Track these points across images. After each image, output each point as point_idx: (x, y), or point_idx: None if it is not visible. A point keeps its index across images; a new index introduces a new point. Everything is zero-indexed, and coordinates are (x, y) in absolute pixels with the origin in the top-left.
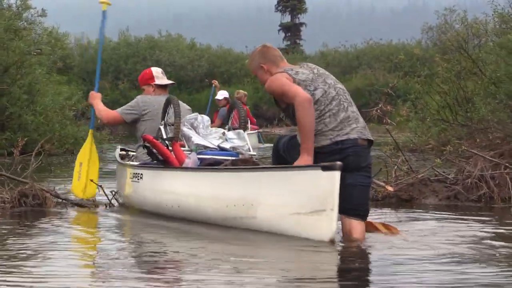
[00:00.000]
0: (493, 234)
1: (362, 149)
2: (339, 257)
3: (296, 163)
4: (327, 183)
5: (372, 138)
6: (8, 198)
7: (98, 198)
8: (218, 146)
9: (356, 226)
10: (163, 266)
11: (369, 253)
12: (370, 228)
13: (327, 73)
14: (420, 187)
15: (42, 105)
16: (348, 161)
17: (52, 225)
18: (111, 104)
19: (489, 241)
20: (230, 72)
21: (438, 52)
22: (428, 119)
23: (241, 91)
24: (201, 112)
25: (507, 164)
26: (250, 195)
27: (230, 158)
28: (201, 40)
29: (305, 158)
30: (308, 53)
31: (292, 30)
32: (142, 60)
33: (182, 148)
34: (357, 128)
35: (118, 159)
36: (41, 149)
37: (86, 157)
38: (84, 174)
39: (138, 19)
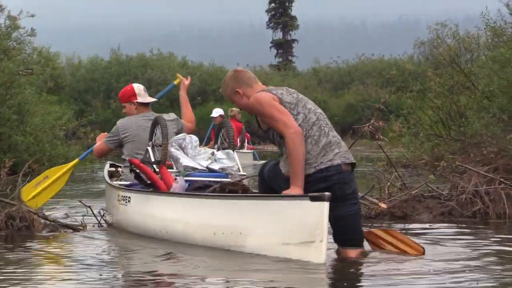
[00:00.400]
0: (489, 251)
1: (347, 175)
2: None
3: (286, 193)
4: (316, 213)
5: (354, 161)
6: None
7: (86, 219)
8: (207, 167)
9: (353, 254)
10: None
11: (361, 269)
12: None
13: (306, 98)
14: (413, 203)
15: (32, 125)
16: (335, 189)
17: (38, 249)
18: (104, 123)
19: (484, 259)
20: None
21: (430, 67)
22: (421, 134)
23: (234, 109)
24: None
25: (501, 179)
26: (238, 224)
27: (219, 180)
28: (193, 58)
29: (296, 189)
30: (301, 70)
31: (284, 47)
32: (134, 79)
33: (170, 170)
34: (339, 153)
35: (107, 179)
36: (29, 170)
37: (55, 176)
38: (41, 187)
39: (129, 37)
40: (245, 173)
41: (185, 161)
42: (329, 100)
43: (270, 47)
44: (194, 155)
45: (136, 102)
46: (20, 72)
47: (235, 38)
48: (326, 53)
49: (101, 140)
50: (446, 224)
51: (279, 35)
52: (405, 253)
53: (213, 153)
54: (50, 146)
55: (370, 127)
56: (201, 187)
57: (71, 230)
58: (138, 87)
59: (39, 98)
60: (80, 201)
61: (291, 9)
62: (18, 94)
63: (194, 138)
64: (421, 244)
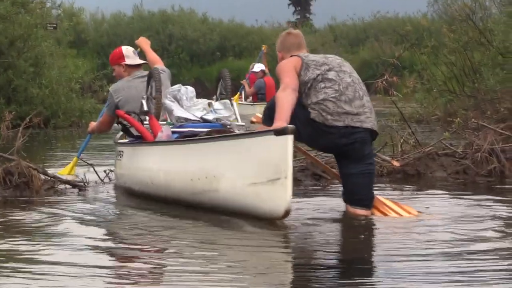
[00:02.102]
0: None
1: (369, 137)
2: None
3: (274, 126)
4: (280, 148)
5: (378, 132)
6: None
7: (89, 176)
8: (201, 118)
9: (362, 213)
10: (135, 254)
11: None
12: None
13: (345, 63)
14: (427, 161)
15: (48, 78)
16: (355, 147)
17: (34, 205)
18: None
19: (500, 223)
20: (242, 46)
21: (445, 24)
22: (434, 90)
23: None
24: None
25: None
26: (211, 167)
27: (209, 130)
28: (213, 14)
29: (279, 123)
30: (317, 27)
31: (301, 4)
32: (156, 34)
33: (164, 122)
34: (371, 118)
35: (115, 138)
36: (30, 123)
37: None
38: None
39: None
40: (243, 123)
41: (178, 112)
42: (345, 57)
43: (288, 5)
44: (189, 106)
45: (124, 64)
46: (47, 26)
47: None
48: (342, 10)
49: (92, 127)
50: (460, 184)
51: None
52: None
53: (209, 104)
54: (65, 99)
55: (384, 82)
56: (188, 137)
57: (71, 187)
58: (126, 49)
59: (56, 52)
60: (81, 159)
61: None
62: (35, 47)
63: (190, 89)
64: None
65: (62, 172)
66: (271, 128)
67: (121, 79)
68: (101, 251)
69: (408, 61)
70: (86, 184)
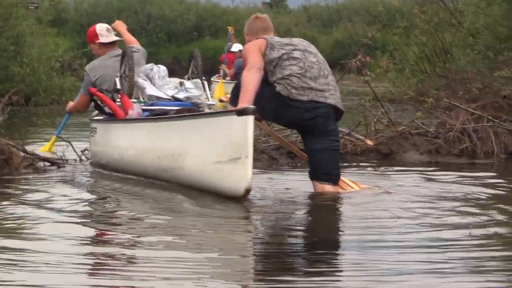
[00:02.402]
0: (476, 190)
1: (332, 113)
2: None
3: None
4: (241, 128)
5: (343, 110)
6: None
7: (68, 154)
8: (172, 96)
9: (329, 190)
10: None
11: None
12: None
13: (311, 45)
14: (400, 140)
15: (29, 56)
16: (317, 122)
17: (13, 182)
18: None
19: (470, 199)
20: (217, 26)
21: (416, 5)
22: (406, 70)
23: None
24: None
25: (489, 117)
26: (176, 145)
27: (179, 108)
28: None
29: (243, 103)
30: (292, 8)
31: None
32: (134, 14)
33: (135, 100)
34: (335, 96)
35: (91, 115)
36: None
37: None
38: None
39: None
40: (214, 103)
41: (150, 90)
42: (318, 37)
43: None
44: (161, 85)
45: (98, 42)
46: (29, 5)
47: None
48: None
49: (69, 107)
50: (432, 163)
51: None
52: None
53: (181, 83)
54: (46, 77)
55: (357, 62)
56: (159, 115)
57: (49, 164)
58: (100, 27)
59: (37, 31)
60: (60, 137)
61: None
62: (16, 26)
63: (162, 68)
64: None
65: (42, 149)
66: (233, 108)
67: (98, 57)
68: (72, 236)
69: (380, 42)
70: (64, 161)
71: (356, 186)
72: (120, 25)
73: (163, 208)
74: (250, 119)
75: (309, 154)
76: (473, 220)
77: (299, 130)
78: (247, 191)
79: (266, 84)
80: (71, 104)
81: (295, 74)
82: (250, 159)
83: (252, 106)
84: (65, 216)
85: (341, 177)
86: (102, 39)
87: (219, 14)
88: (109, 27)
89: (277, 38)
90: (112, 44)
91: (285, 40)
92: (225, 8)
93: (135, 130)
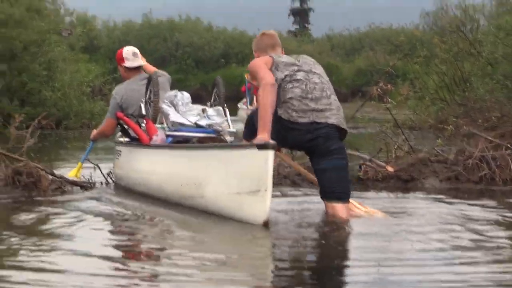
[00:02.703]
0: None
1: (334, 133)
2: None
3: (254, 141)
4: (262, 162)
5: (347, 130)
6: (2, 176)
7: (95, 176)
8: (195, 123)
9: (340, 209)
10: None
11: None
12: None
13: (316, 65)
14: (420, 167)
15: (61, 81)
16: (318, 143)
17: (41, 205)
18: None
19: (489, 227)
20: (244, 53)
21: (436, 35)
22: (426, 98)
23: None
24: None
25: (508, 145)
26: (198, 174)
27: (200, 135)
28: (218, 23)
29: (261, 136)
30: (315, 36)
31: (301, 15)
32: (163, 41)
33: (159, 125)
34: (337, 115)
35: (115, 137)
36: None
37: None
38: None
39: (163, 3)
40: (234, 130)
41: (174, 116)
42: (341, 65)
43: (289, 15)
44: (184, 111)
45: (124, 66)
46: (62, 34)
47: (258, 5)
48: (339, 21)
49: (94, 134)
50: (452, 188)
51: (297, 4)
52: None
53: (204, 110)
54: (77, 102)
55: (379, 90)
56: (181, 142)
57: (78, 187)
58: (127, 51)
59: (69, 57)
60: (88, 160)
61: None
62: (48, 52)
63: (186, 95)
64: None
65: (69, 175)
66: (254, 142)
67: (124, 80)
68: (99, 254)
69: (401, 70)
70: (91, 184)
71: (368, 210)
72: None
73: (185, 227)
74: (270, 154)
75: (316, 175)
76: (491, 249)
77: (306, 152)
78: (265, 223)
79: None
80: (95, 132)
81: (296, 97)
82: (269, 193)
83: (273, 142)
84: (93, 235)
85: (355, 202)
86: (127, 63)
87: (246, 42)
88: (136, 51)
89: (284, 58)
90: (137, 69)
91: (291, 59)
92: (252, 36)
93: (158, 156)
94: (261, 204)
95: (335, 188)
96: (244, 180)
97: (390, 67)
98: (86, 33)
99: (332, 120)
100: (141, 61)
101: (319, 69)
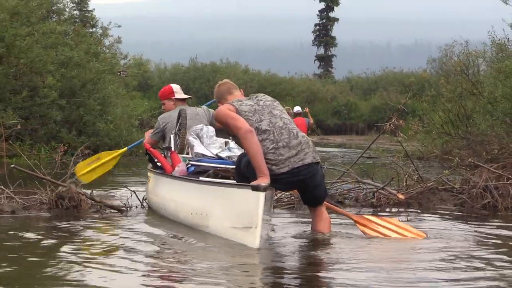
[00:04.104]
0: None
1: (315, 168)
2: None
3: (253, 183)
4: (254, 202)
5: (320, 161)
6: (46, 200)
7: (133, 201)
8: (216, 154)
9: (320, 209)
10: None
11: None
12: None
13: (274, 104)
14: (428, 195)
15: (113, 114)
16: (307, 183)
17: (80, 226)
18: None
19: (490, 248)
20: (275, 92)
21: (442, 77)
22: (433, 132)
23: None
24: None
25: (509, 176)
26: (205, 206)
27: (219, 166)
28: (253, 66)
29: (262, 179)
30: (337, 78)
31: (325, 60)
32: (206, 81)
33: (184, 156)
34: (309, 152)
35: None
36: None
37: (105, 159)
38: (93, 166)
39: (209, 51)
40: None
41: (198, 148)
42: (359, 103)
43: (314, 60)
44: (208, 143)
45: (175, 98)
46: (118, 73)
47: (289, 52)
48: (358, 66)
49: (148, 135)
50: (458, 215)
51: (321, 51)
52: (404, 237)
53: (226, 143)
54: (126, 132)
55: (391, 125)
56: (200, 172)
57: (115, 211)
58: (175, 86)
59: (121, 93)
60: (125, 187)
61: (331, 31)
62: (103, 89)
63: (211, 128)
64: (425, 231)
65: (105, 154)
66: (251, 183)
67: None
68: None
69: (411, 108)
70: (128, 208)
71: (384, 222)
72: None
73: (195, 248)
74: (261, 196)
75: (304, 198)
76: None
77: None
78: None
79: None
80: (147, 134)
81: (269, 151)
82: (259, 230)
83: (265, 184)
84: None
85: (369, 217)
86: (177, 95)
87: (277, 82)
88: (180, 88)
89: (244, 105)
90: (183, 100)
91: (251, 104)
92: (282, 78)
93: (176, 186)
94: (252, 239)
95: (320, 200)
96: (238, 216)
97: (402, 104)
98: (141, 74)
99: (308, 160)
100: (185, 95)
101: (278, 107)
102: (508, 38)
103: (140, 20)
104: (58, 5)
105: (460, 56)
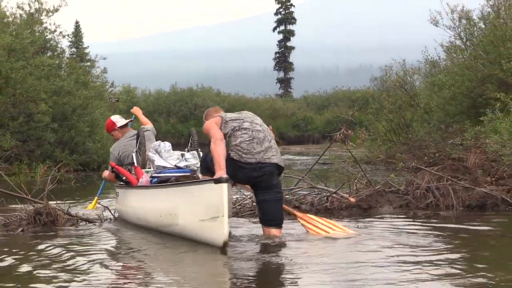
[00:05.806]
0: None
1: (275, 170)
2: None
3: (215, 176)
4: (218, 193)
5: (283, 167)
6: (25, 216)
7: (105, 214)
8: (175, 165)
9: (275, 232)
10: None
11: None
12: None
13: (256, 116)
14: (377, 197)
15: (100, 135)
16: (263, 179)
17: (60, 239)
18: (165, 133)
19: (435, 242)
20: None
21: (384, 92)
22: (378, 140)
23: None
24: None
25: (449, 177)
26: (172, 206)
27: (180, 174)
28: (224, 90)
29: (219, 173)
30: (295, 97)
31: (285, 82)
32: (185, 103)
33: (147, 170)
34: (276, 156)
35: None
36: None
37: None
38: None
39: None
40: None
41: (158, 161)
42: (314, 117)
43: (276, 82)
44: (166, 157)
45: (118, 127)
46: (110, 99)
47: (254, 76)
48: (312, 86)
49: (105, 175)
50: (404, 214)
51: (281, 74)
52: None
53: (182, 155)
54: None
55: (341, 134)
56: (163, 181)
57: (89, 223)
58: (115, 117)
59: (106, 116)
60: (99, 203)
61: (289, 58)
62: (91, 113)
63: (168, 144)
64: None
65: (88, 207)
66: (213, 177)
67: (118, 140)
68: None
69: (358, 119)
70: (101, 220)
71: (324, 222)
72: (137, 110)
73: (163, 250)
74: (224, 186)
75: (258, 204)
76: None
77: (251, 185)
78: (225, 243)
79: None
80: (106, 173)
81: (245, 141)
82: (226, 218)
83: (226, 176)
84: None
85: (311, 216)
86: (119, 124)
87: (245, 102)
88: (119, 116)
89: (230, 114)
90: (126, 125)
91: (236, 115)
92: (249, 98)
93: (143, 194)
94: (220, 228)
95: (273, 217)
96: (205, 209)
97: (350, 115)
98: (130, 99)
99: (274, 160)
100: (125, 120)
101: (258, 120)
102: (439, 56)
103: (130, 56)
104: (51, 42)
105: (398, 73)
